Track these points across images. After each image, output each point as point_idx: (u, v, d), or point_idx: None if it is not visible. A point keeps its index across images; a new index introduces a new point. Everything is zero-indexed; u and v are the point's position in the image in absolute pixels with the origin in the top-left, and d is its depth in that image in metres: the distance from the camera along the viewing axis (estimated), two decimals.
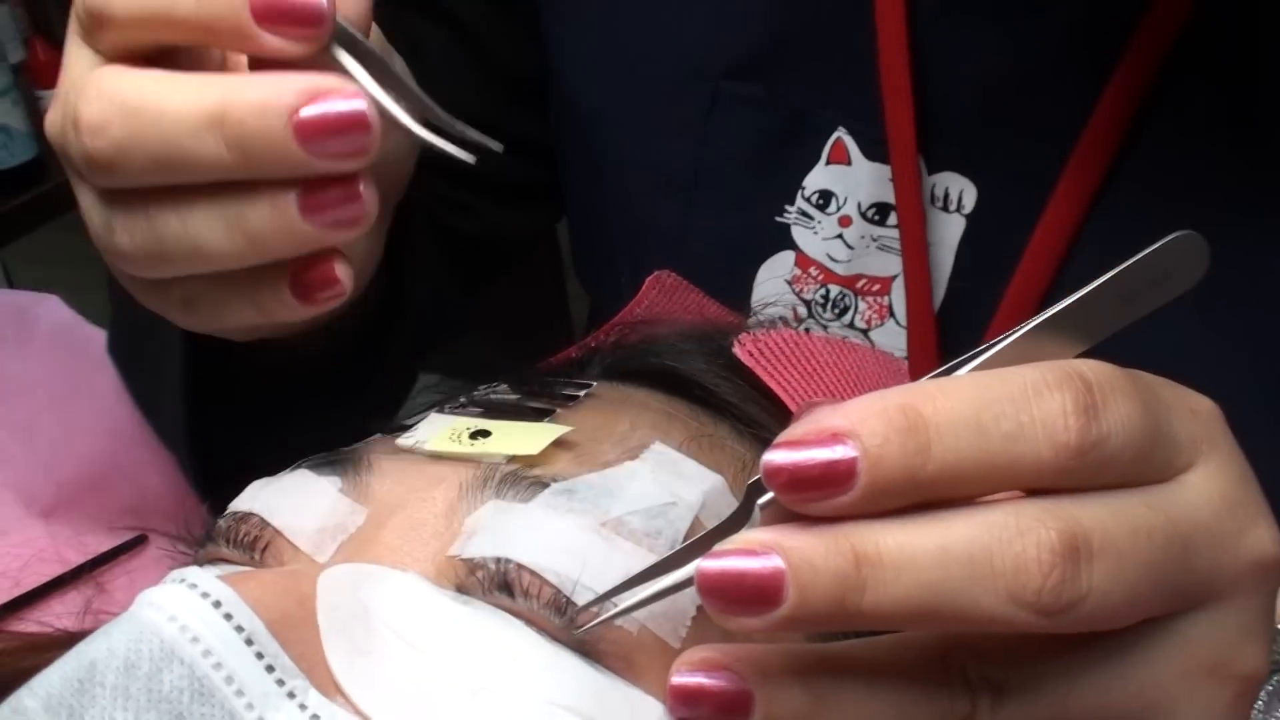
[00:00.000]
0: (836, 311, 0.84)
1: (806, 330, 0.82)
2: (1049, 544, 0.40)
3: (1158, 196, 0.73)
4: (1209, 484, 0.44)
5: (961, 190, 0.79)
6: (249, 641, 0.45)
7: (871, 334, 0.83)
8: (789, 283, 0.84)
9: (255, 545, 0.55)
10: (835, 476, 0.40)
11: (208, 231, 0.51)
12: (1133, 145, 0.73)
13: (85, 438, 0.91)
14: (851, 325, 0.84)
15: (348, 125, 0.49)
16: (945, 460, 0.40)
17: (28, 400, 0.95)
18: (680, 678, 0.47)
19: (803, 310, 0.84)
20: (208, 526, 0.58)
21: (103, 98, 0.50)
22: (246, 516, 0.56)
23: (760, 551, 0.41)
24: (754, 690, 0.45)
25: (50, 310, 1.03)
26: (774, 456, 0.41)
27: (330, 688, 0.46)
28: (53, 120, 0.53)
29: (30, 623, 0.81)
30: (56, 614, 0.81)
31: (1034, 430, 0.41)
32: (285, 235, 0.51)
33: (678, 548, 0.51)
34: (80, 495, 0.89)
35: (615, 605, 0.48)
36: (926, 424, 0.40)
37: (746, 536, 0.42)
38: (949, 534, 0.40)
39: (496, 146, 0.53)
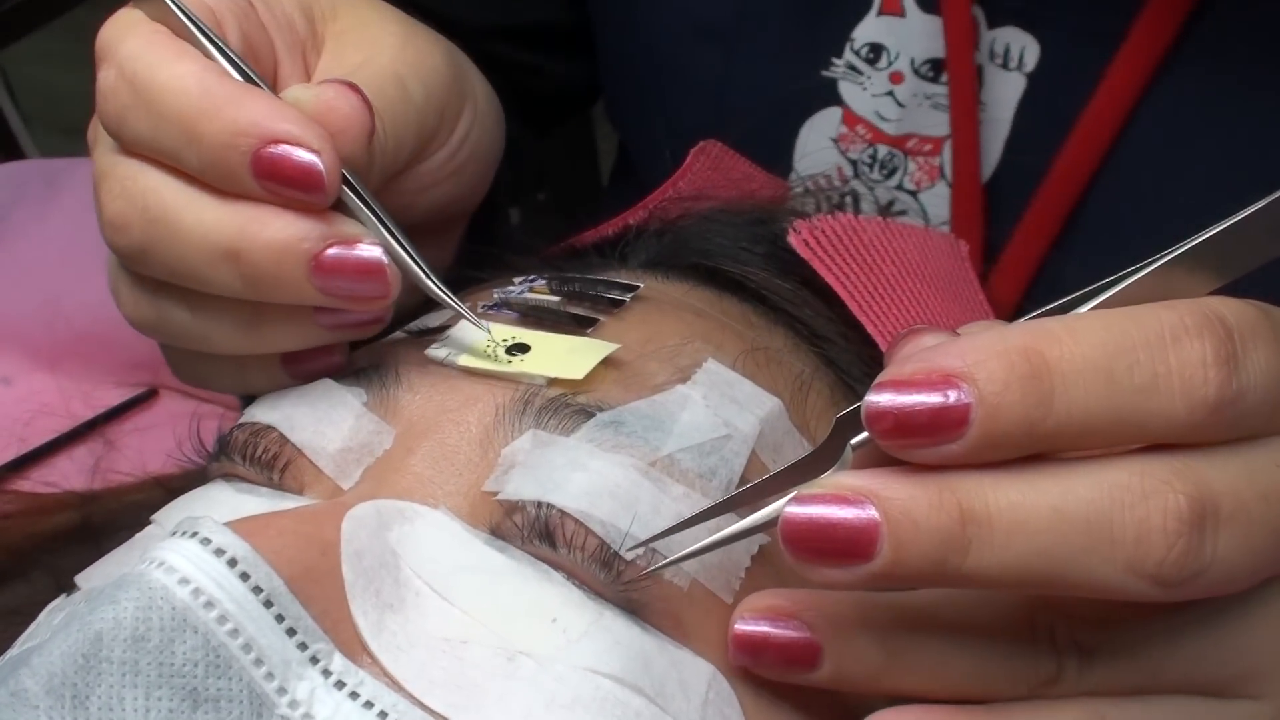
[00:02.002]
0: (885, 172, 0.79)
1: (853, 194, 0.78)
2: (1176, 510, 0.37)
3: (1227, 62, 0.69)
4: None
5: (1024, 47, 0.74)
6: (268, 603, 0.42)
7: (921, 196, 0.79)
8: (835, 141, 0.79)
9: (274, 464, 0.51)
10: (945, 424, 0.38)
11: (215, 327, 0.52)
12: (1206, 3, 0.68)
13: (98, 287, 0.87)
14: (900, 187, 0.79)
15: (366, 272, 0.49)
16: (1069, 413, 0.38)
17: (42, 249, 0.91)
18: (744, 625, 0.45)
19: (849, 170, 0.80)
20: (221, 435, 0.54)
21: (125, 196, 0.51)
22: (264, 430, 0.52)
23: (854, 500, 0.38)
24: (823, 643, 0.43)
25: (83, 176, 0.98)
26: (878, 399, 0.38)
27: (356, 649, 0.43)
28: None
29: (37, 483, 0.79)
30: (64, 473, 0.79)
31: (1170, 383, 0.38)
32: (297, 337, 0.52)
33: (734, 488, 0.48)
34: (89, 346, 0.86)
35: (671, 551, 0.45)
36: (1051, 371, 0.37)
37: (839, 481, 0.39)
38: (1066, 495, 0.38)
39: (484, 327, 0.53)
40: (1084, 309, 0.41)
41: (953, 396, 0.37)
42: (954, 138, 0.76)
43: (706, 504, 0.47)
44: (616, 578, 0.46)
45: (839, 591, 0.43)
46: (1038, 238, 0.74)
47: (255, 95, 0.49)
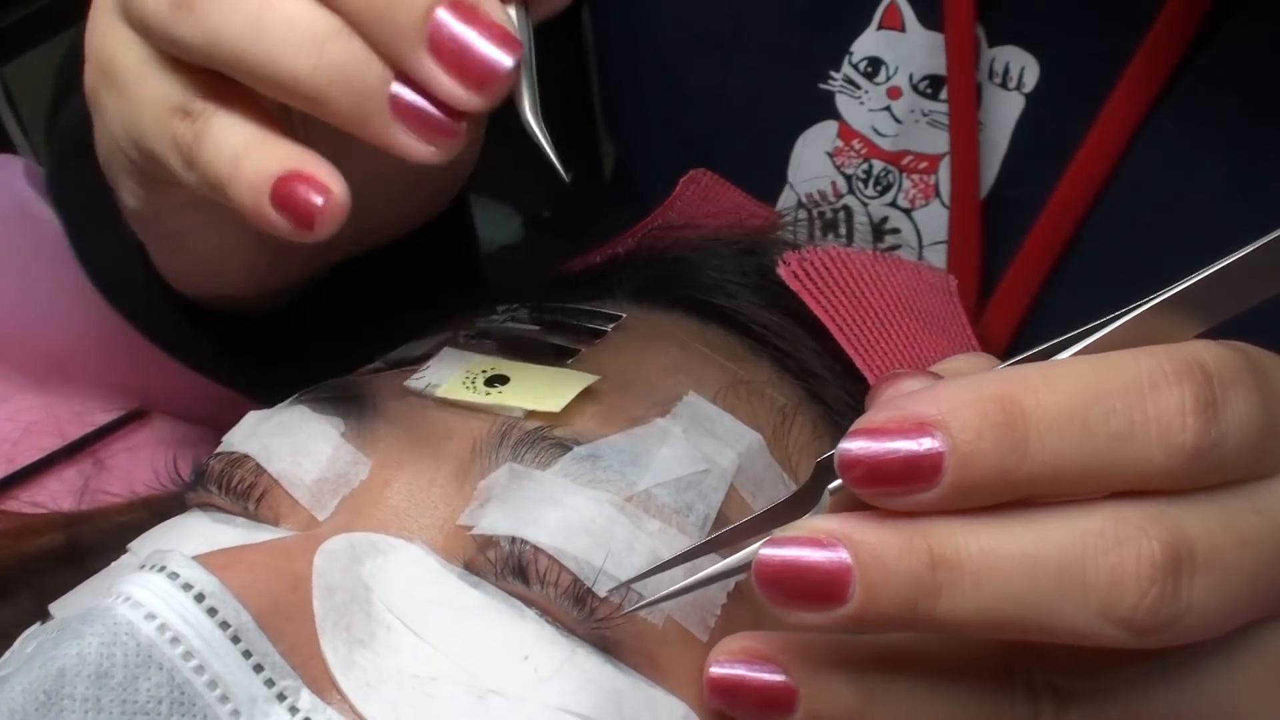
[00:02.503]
0: (879, 189, 0.78)
1: (846, 210, 0.77)
2: (1150, 556, 0.37)
3: (1232, 90, 0.68)
4: None
5: (1023, 67, 0.73)
6: (235, 639, 0.41)
7: (915, 214, 0.78)
8: (829, 155, 0.79)
9: (250, 494, 0.51)
10: (919, 472, 0.37)
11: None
12: (1213, 27, 0.67)
13: (76, 301, 0.86)
14: (894, 204, 0.78)
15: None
16: (1043, 461, 0.37)
17: (18, 261, 0.90)
18: (719, 668, 0.44)
19: (843, 185, 0.79)
20: (197, 465, 0.54)
21: None
22: (241, 460, 0.52)
23: (827, 543, 0.38)
24: (799, 686, 0.43)
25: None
26: (851, 446, 0.38)
27: (325, 685, 0.43)
28: None
29: (25, 503, 0.78)
30: (52, 493, 0.78)
31: (1146, 430, 0.37)
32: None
33: (710, 526, 0.48)
34: (77, 363, 0.85)
35: (648, 590, 0.45)
36: (1026, 419, 0.37)
37: (813, 524, 0.39)
38: (1039, 540, 0.37)
39: (565, 176, 0.45)
40: (1065, 354, 0.41)
41: (925, 445, 0.37)
42: (953, 156, 0.75)
43: (683, 540, 0.46)
44: (590, 615, 0.45)
45: (814, 634, 0.43)
46: (1033, 270, 0.74)
47: None
